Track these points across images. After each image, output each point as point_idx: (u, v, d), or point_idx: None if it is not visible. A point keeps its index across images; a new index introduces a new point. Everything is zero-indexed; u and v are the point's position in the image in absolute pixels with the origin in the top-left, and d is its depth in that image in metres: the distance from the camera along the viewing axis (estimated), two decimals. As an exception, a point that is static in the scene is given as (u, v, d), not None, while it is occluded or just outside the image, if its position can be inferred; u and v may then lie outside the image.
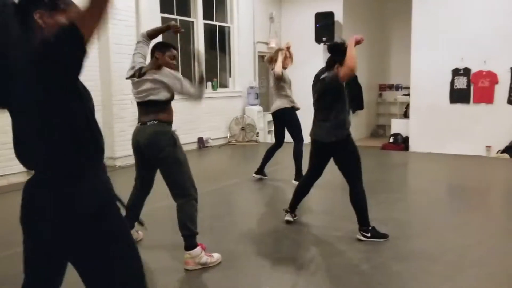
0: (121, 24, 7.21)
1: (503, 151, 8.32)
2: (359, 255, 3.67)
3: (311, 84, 4.20)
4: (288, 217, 4.44)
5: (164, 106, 3.49)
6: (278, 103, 6.01)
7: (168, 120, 3.53)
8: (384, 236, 3.97)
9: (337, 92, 3.95)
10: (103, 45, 7.09)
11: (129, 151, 7.36)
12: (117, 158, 7.34)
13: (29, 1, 1.60)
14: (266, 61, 6.38)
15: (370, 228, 3.96)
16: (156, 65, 3.48)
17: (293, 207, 4.44)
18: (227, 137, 9.83)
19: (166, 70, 3.45)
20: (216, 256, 3.48)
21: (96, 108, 6.48)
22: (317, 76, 4.11)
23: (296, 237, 4.15)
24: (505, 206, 5.55)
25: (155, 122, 3.43)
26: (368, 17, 11.15)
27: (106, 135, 7.21)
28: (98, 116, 7.24)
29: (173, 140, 3.46)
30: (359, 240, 3.93)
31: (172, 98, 3.53)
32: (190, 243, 3.36)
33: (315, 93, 4.12)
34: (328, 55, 4.04)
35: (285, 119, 6.03)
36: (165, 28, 3.89)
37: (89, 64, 6.95)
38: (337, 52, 3.92)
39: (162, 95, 3.44)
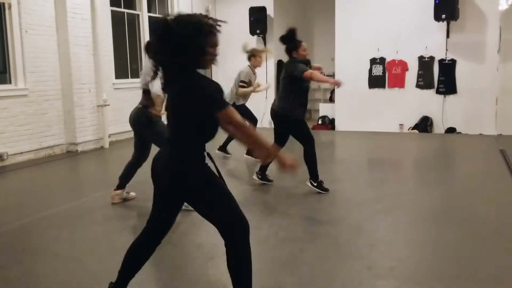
0: (77, 17, 7.66)
1: (413, 128, 9.87)
2: (317, 205, 4.73)
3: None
4: (255, 177, 5.39)
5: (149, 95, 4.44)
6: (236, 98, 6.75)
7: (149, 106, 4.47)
8: (326, 190, 5.04)
9: (296, 81, 4.94)
10: (62, 37, 7.50)
11: (89, 136, 7.93)
12: (78, 144, 7.80)
13: None
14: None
15: (318, 180, 5.05)
16: None
17: (262, 170, 5.39)
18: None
19: None
20: (132, 193, 4.82)
21: (57, 97, 7.45)
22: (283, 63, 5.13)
23: (270, 191, 5.12)
24: (419, 167, 6.93)
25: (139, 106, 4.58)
26: (295, 12, 12.30)
27: (67, 122, 7.72)
28: (59, 104, 7.83)
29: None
30: (309, 186, 5.04)
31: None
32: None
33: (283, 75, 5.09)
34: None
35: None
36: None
37: (50, 55, 7.42)
38: (288, 41, 4.94)
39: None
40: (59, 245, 3.78)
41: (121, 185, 4.75)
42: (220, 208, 2.37)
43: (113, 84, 8.59)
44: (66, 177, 6.72)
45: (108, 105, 8.16)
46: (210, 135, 2.39)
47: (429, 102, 9.79)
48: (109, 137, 8.29)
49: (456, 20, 9.18)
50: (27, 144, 7.13)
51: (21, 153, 7.05)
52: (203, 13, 10.57)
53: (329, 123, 10.87)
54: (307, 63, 5.08)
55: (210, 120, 2.30)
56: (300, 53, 4.98)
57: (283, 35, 5.12)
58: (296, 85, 4.94)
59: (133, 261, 2.51)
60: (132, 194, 4.88)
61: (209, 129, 2.36)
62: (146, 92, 4.44)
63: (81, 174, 6.99)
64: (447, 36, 9.39)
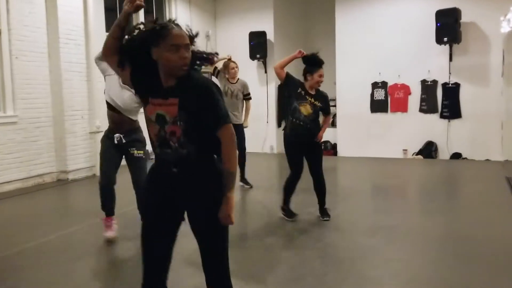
0: (71, 43, 7.55)
1: (418, 153, 9.56)
2: (304, 241, 4.45)
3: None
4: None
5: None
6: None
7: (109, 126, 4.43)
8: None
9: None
10: (54, 63, 7.38)
11: (81, 164, 7.71)
12: (70, 172, 7.60)
13: None
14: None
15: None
16: None
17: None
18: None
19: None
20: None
21: (48, 124, 7.15)
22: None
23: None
24: (421, 195, 6.63)
25: None
26: (296, 36, 12.14)
27: (58, 150, 7.48)
28: (50, 131, 7.57)
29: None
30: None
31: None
32: None
33: None
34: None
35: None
36: None
37: (42, 81, 7.29)
38: (306, 62, 4.83)
39: None
40: (40, 277, 3.53)
41: None
42: None
43: (108, 110, 8.42)
44: (55, 206, 6.50)
45: (102, 131, 7.96)
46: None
47: (433, 127, 9.50)
48: (102, 164, 8.07)
49: (458, 43, 8.96)
50: (15, 173, 6.94)
51: (9, 181, 6.86)
52: (204, 38, 10.45)
53: (331, 149, 10.60)
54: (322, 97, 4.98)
55: None
56: (315, 78, 4.79)
57: (306, 55, 4.87)
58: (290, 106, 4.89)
59: None
60: None
61: None
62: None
63: (71, 203, 6.77)
64: (450, 59, 9.16)
